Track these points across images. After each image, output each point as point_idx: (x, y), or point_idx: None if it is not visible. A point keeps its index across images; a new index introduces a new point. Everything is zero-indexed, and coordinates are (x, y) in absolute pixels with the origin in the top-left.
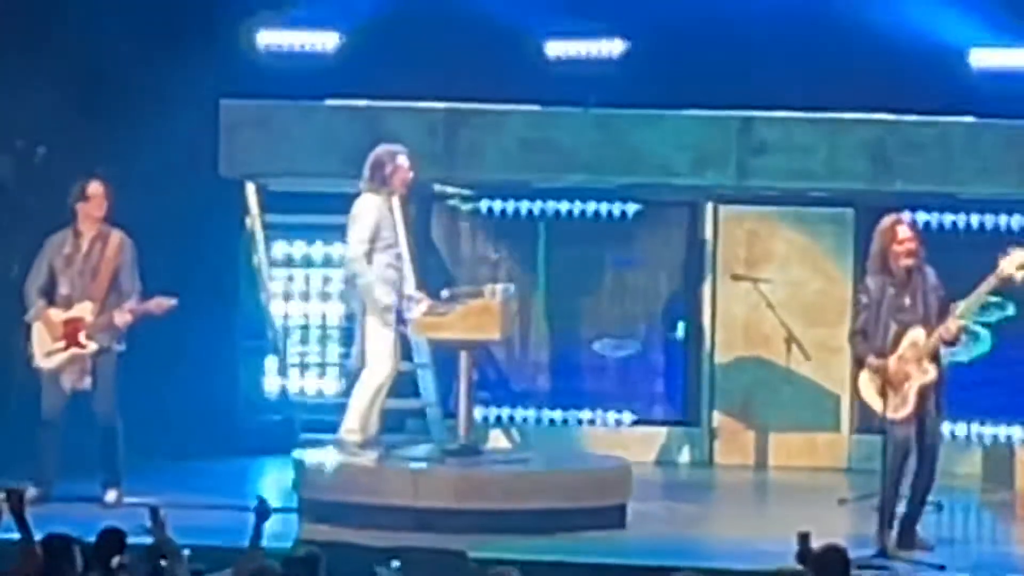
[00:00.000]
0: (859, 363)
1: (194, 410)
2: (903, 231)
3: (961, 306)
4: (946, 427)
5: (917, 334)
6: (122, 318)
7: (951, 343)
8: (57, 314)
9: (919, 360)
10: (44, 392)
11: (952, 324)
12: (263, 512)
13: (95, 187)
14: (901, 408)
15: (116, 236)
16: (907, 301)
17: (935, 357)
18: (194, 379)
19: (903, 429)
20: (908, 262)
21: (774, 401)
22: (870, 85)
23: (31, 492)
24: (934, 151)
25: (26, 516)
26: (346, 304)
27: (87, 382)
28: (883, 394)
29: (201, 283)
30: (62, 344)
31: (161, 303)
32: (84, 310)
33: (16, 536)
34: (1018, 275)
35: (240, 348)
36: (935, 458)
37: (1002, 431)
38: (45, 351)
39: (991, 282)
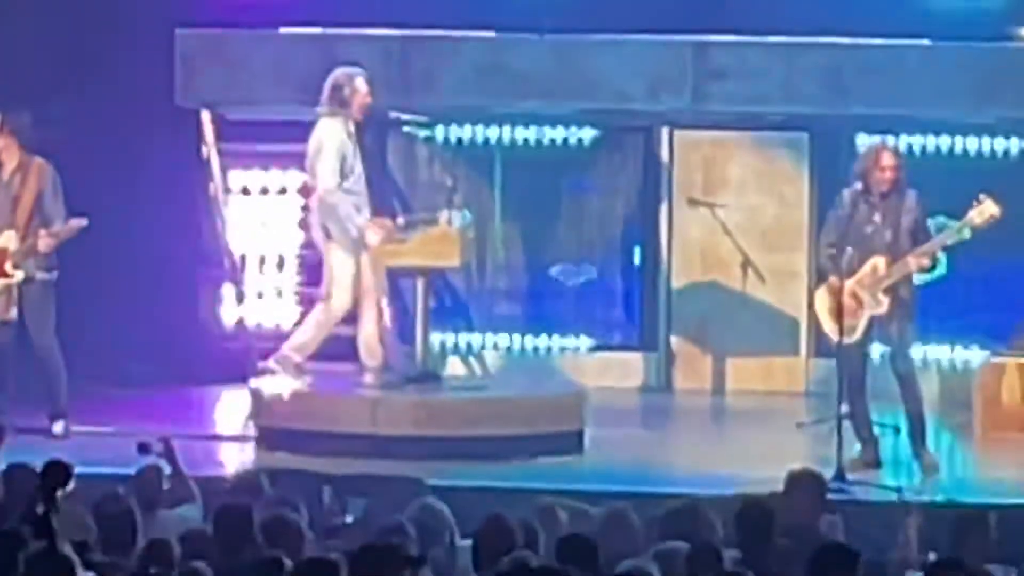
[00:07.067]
0: (821, 276)
1: (151, 340)
2: (887, 158)
3: (923, 249)
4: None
5: (878, 262)
6: (45, 243)
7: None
8: None
9: (875, 289)
10: None
11: (912, 262)
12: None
13: None
14: (850, 334)
15: (36, 164)
16: (877, 217)
17: (890, 289)
18: (151, 308)
19: (851, 355)
20: (884, 189)
21: (731, 325)
22: (825, 9)
23: None
24: (889, 74)
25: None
26: (305, 233)
27: (12, 313)
28: (837, 316)
29: (158, 213)
30: None
31: (72, 225)
32: (8, 239)
33: None
34: (984, 225)
35: (197, 277)
36: (914, 383)
37: (959, 353)
38: None
39: (960, 228)
